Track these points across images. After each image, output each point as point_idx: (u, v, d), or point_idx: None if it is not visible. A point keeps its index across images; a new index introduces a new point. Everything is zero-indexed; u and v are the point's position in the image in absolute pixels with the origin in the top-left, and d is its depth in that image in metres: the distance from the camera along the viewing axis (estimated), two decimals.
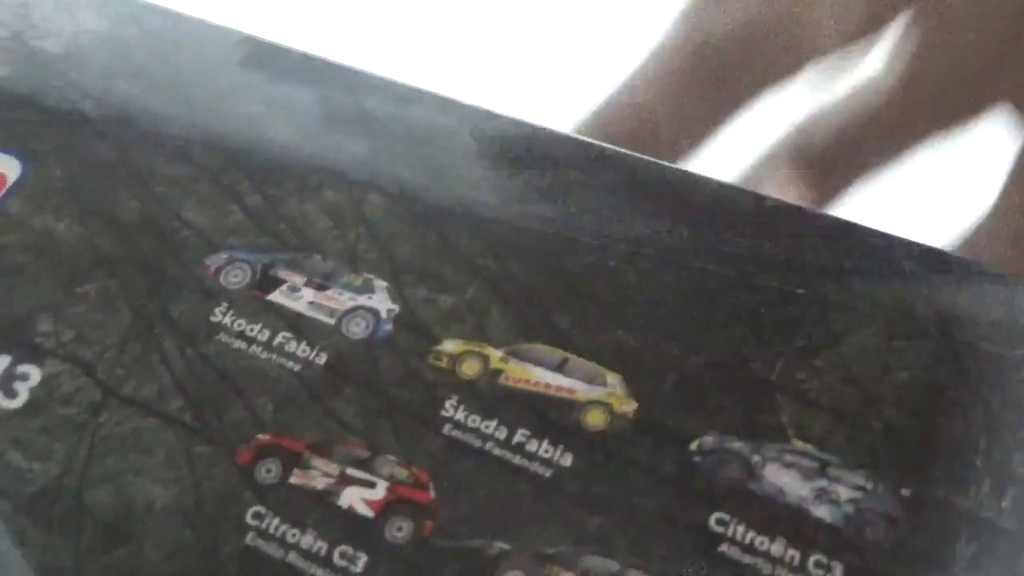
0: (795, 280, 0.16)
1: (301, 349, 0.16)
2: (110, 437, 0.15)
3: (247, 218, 0.17)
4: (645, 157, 0.18)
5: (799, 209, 0.17)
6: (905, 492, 0.14)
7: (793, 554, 0.14)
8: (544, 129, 0.18)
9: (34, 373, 0.15)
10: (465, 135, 0.18)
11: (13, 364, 0.15)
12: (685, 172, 0.18)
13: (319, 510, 0.14)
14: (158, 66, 0.19)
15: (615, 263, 0.16)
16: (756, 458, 0.15)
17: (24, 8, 0.20)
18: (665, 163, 0.18)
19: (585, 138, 0.19)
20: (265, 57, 0.19)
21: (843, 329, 0.16)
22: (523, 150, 0.18)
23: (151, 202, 0.17)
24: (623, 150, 0.18)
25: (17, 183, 0.18)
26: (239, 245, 0.17)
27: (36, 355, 0.16)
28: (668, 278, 0.16)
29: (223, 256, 0.17)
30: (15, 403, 0.15)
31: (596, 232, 0.17)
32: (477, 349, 0.16)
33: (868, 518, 0.14)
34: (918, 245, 0.17)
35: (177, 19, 0.20)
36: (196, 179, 0.17)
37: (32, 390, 0.15)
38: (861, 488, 0.14)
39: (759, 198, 0.17)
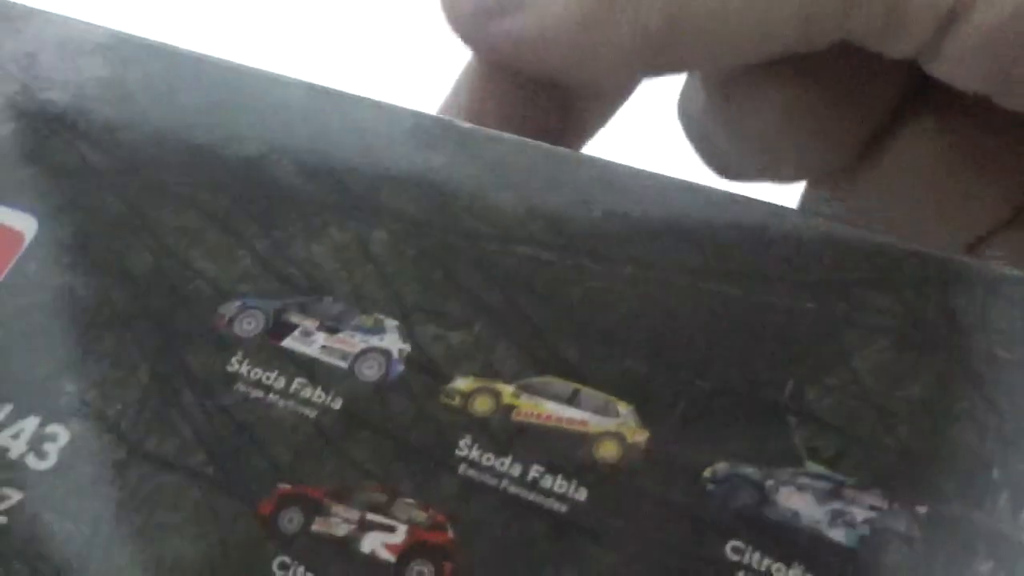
0: (802, 296, 0.16)
1: (316, 395, 0.16)
2: (137, 493, 0.15)
3: (256, 264, 0.17)
4: (644, 170, 0.18)
5: (805, 217, 0.17)
6: (921, 510, 0.14)
7: None
8: (559, 151, 0.18)
9: (62, 433, 0.16)
10: (465, 167, 0.18)
11: (42, 425, 0.16)
12: (684, 182, 0.18)
13: (342, 557, 0.15)
14: (160, 111, 0.19)
15: (619, 289, 0.16)
16: (769, 483, 0.15)
17: (31, 59, 0.20)
18: (664, 175, 0.18)
19: (587, 155, 0.19)
20: (262, 91, 0.19)
21: (853, 345, 0.16)
22: (524, 175, 0.18)
23: (162, 254, 0.18)
24: (625, 165, 0.18)
25: (35, 241, 0.18)
26: (250, 292, 0.17)
27: (63, 415, 0.16)
28: (672, 301, 0.16)
29: (235, 304, 0.17)
30: (46, 464, 0.16)
31: (599, 256, 0.17)
32: (488, 386, 0.16)
33: (884, 539, 0.14)
34: (928, 252, 0.16)
35: (175, 57, 0.20)
36: (204, 227, 0.18)
37: (61, 450, 0.16)
38: (877, 508, 0.14)
39: (763, 207, 0.17)
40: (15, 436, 0.16)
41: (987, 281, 0.16)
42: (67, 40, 0.21)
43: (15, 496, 0.15)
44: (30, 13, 0.21)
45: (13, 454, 0.16)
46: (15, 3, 0.21)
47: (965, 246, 0.20)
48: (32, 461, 0.16)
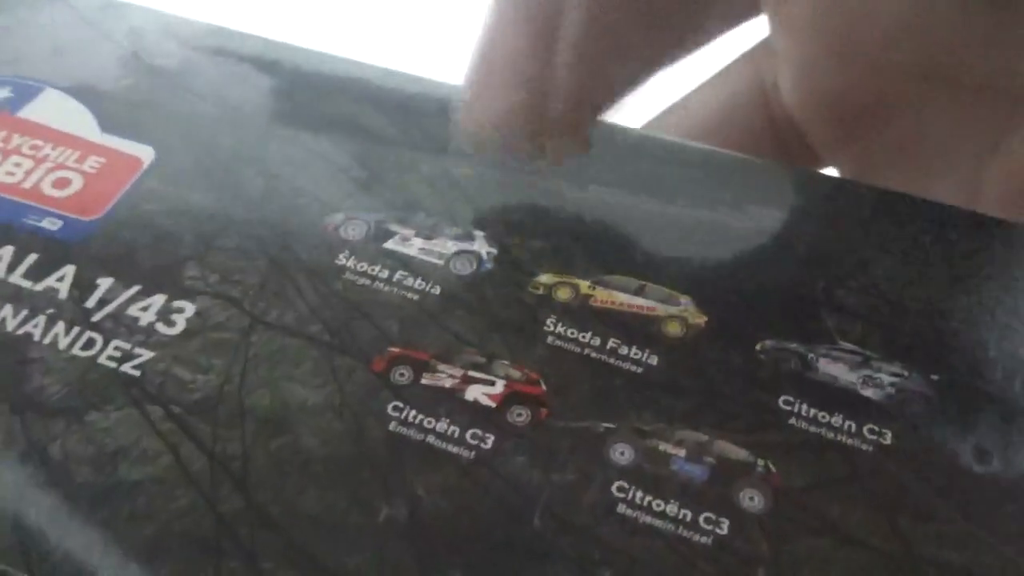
0: (828, 225, 0.19)
1: (417, 283, 0.18)
2: (261, 353, 0.17)
3: (356, 187, 0.20)
4: (678, 141, 0.21)
5: (829, 178, 0.21)
6: (935, 377, 0.17)
7: (850, 424, 0.17)
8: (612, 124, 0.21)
9: (188, 307, 0.18)
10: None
11: (169, 301, 0.18)
12: (723, 152, 0.21)
13: (448, 402, 0.17)
14: (259, 77, 0.22)
15: (671, 216, 0.19)
16: (810, 355, 0.17)
17: (138, 34, 0.23)
18: (699, 145, 0.21)
19: (649, 132, 0.22)
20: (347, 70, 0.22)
21: (869, 259, 0.19)
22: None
23: (272, 178, 0.20)
24: (660, 135, 0.22)
25: (152, 166, 0.20)
26: (353, 207, 0.19)
27: (188, 293, 0.18)
28: (718, 229, 0.19)
29: (340, 216, 0.19)
30: (174, 330, 0.17)
31: (653, 195, 0.20)
32: (568, 280, 0.18)
33: (907, 396, 0.17)
34: (924, 201, 0.20)
35: (270, 44, 0.23)
36: (308, 160, 0.20)
37: (188, 320, 0.18)
38: (899, 375, 0.17)
39: (790, 168, 0.21)
40: (144, 308, 0.18)
41: (969, 220, 0.20)
42: (169, 24, 0.23)
43: (146, 354, 0.17)
44: (132, 4, 0.24)
45: (143, 321, 0.18)
46: None
47: None
48: (161, 327, 0.18)
